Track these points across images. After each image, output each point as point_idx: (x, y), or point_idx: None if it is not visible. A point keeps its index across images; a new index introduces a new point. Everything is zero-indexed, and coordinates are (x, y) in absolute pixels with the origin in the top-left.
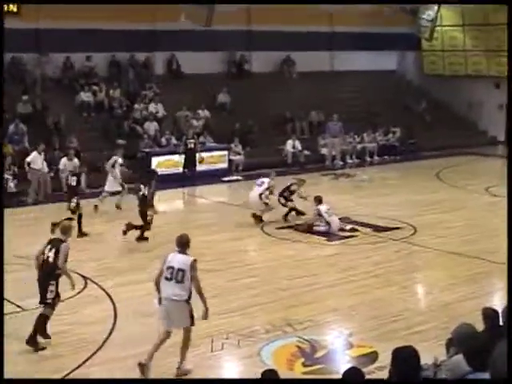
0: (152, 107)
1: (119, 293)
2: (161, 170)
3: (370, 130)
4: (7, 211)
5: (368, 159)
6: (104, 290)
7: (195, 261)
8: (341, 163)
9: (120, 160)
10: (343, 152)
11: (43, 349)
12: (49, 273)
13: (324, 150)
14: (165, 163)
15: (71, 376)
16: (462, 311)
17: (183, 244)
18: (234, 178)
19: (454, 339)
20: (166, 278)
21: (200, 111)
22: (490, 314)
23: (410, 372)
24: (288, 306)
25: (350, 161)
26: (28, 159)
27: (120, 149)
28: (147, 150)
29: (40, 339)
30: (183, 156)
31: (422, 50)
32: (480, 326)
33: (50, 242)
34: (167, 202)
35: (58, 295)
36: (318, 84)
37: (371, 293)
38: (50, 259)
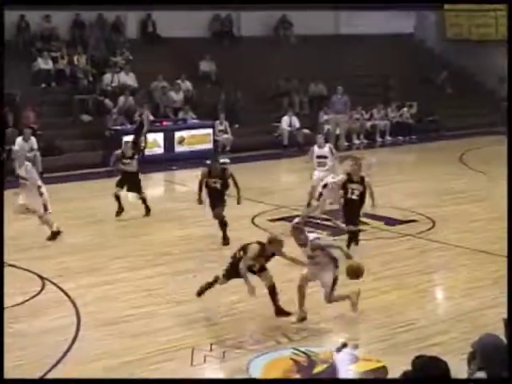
0: (123, 77)
1: (82, 296)
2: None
3: (381, 105)
4: None
5: (379, 139)
6: (64, 292)
7: None
8: (346, 144)
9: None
10: (349, 131)
11: None
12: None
13: (326, 129)
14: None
15: None
16: (487, 320)
17: None
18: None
19: (477, 352)
20: None
21: (180, 82)
22: None
23: None
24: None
25: (356, 141)
26: None
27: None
28: (117, 127)
29: None
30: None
31: (444, 9)
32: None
33: None
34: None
35: None
36: (319, 50)
37: (380, 297)
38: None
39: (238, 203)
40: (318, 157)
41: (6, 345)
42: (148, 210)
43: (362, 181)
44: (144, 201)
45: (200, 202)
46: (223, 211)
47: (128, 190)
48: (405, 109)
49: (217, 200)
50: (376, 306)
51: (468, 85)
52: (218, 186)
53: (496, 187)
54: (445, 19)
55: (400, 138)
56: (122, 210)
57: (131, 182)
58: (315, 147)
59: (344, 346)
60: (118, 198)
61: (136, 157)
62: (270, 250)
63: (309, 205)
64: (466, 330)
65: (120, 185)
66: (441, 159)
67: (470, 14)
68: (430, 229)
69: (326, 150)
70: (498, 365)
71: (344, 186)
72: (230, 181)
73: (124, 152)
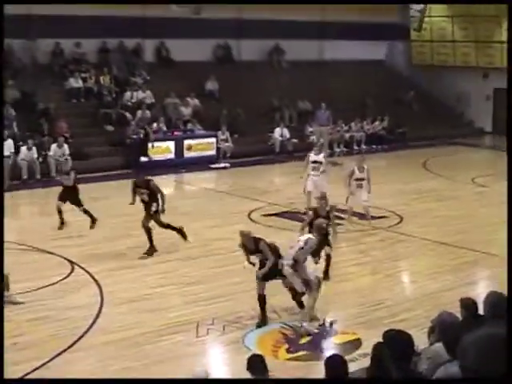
0: (141, 94)
1: (105, 278)
2: (150, 157)
3: (358, 119)
4: None
5: (355, 148)
6: (91, 275)
7: None
8: (328, 151)
9: None
10: (331, 140)
11: None
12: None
13: (312, 139)
14: (154, 149)
15: (52, 362)
16: (446, 300)
17: None
18: (222, 165)
19: (435, 327)
20: None
21: (189, 99)
22: (467, 304)
23: (406, 357)
24: (272, 293)
25: (337, 149)
26: None
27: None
28: (135, 136)
29: None
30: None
31: (410, 40)
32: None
33: None
34: None
35: None
36: (306, 73)
37: (356, 280)
38: None
39: (162, 212)
40: (314, 162)
41: (43, 317)
42: (93, 220)
43: (327, 215)
44: (86, 212)
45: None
46: (148, 221)
47: (71, 203)
48: (377, 122)
49: (145, 209)
50: (352, 288)
51: (431, 103)
52: (145, 196)
53: (455, 189)
54: (411, 48)
55: (373, 146)
56: (63, 223)
57: (70, 196)
58: (311, 154)
59: (331, 324)
60: (59, 211)
61: (73, 173)
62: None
63: (304, 213)
64: (427, 308)
65: (61, 199)
66: (408, 165)
67: (432, 44)
68: (398, 223)
69: (321, 156)
70: (453, 338)
71: (311, 223)
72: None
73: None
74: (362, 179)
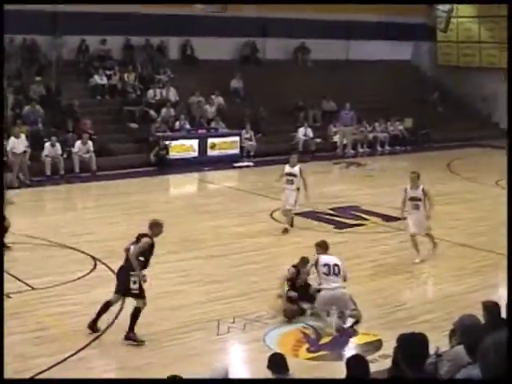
0: (165, 92)
1: None
2: (173, 155)
3: (381, 119)
4: (20, 192)
5: (379, 149)
6: (113, 271)
7: None
8: (352, 152)
9: None
10: (354, 141)
11: (142, 342)
12: (129, 265)
13: (335, 139)
14: (177, 147)
15: (75, 357)
16: (467, 303)
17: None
18: (246, 163)
19: (456, 330)
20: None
21: (213, 97)
22: (490, 307)
23: (419, 358)
24: None
25: (361, 150)
26: (8, 148)
27: None
28: (159, 134)
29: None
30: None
31: (436, 40)
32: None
33: (138, 236)
34: (178, 186)
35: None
36: (331, 72)
37: (377, 282)
38: (132, 251)
39: None
40: (288, 174)
41: (66, 312)
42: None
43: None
44: None
45: None
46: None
47: None
48: (402, 124)
49: None
50: (374, 289)
51: (456, 104)
52: None
53: (479, 191)
54: (437, 48)
55: (397, 147)
56: None
57: None
58: (286, 166)
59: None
60: None
61: None
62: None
63: (285, 230)
64: (449, 310)
65: None
66: (431, 167)
67: (458, 45)
68: None
69: (296, 169)
70: (474, 341)
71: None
72: None
73: None
74: (418, 199)
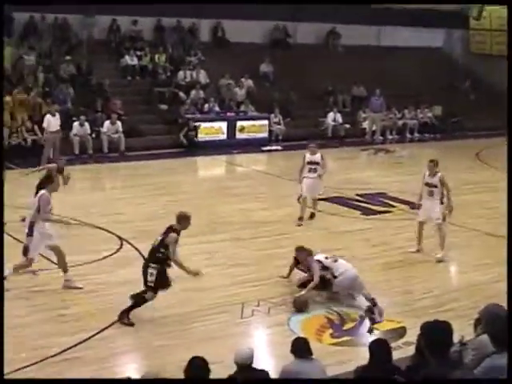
0: (195, 74)
1: None
2: (201, 137)
3: (411, 106)
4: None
5: (408, 136)
6: (139, 251)
7: None
8: (381, 138)
9: None
10: (384, 127)
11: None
12: (150, 256)
13: (365, 125)
14: (206, 130)
15: (98, 336)
16: (494, 292)
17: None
18: (274, 147)
19: (482, 319)
20: None
21: (243, 80)
22: None
23: (442, 347)
24: None
25: (390, 136)
26: (44, 125)
27: None
28: (188, 115)
29: None
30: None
31: (469, 28)
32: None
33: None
34: (206, 169)
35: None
36: (362, 58)
37: (403, 268)
38: (156, 243)
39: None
40: (310, 163)
41: (91, 291)
42: None
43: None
44: None
45: None
46: None
47: None
48: (432, 111)
49: None
50: (400, 276)
51: (487, 92)
52: None
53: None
54: (469, 36)
55: (426, 135)
56: None
57: None
58: (307, 154)
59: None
60: None
61: None
62: None
63: (301, 218)
64: (475, 299)
65: None
66: (461, 155)
67: (491, 33)
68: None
69: (318, 156)
70: (499, 330)
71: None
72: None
73: None
74: (434, 186)
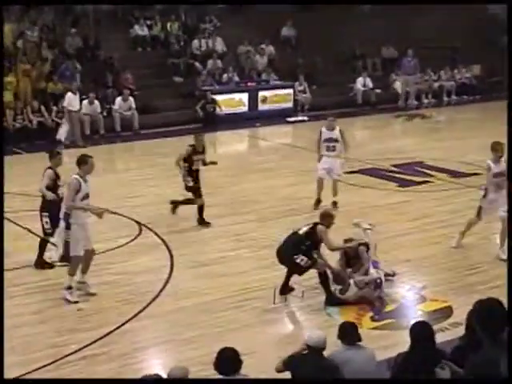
0: (211, 42)
1: (174, 240)
2: (221, 110)
3: (448, 66)
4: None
5: (445, 99)
6: (159, 236)
7: None
8: (415, 103)
9: None
10: (418, 91)
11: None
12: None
13: (397, 89)
14: (225, 102)
15: (118, 331)
16: None
17: None
18: (300, 118)
19: (509, 282)
20: None
21: (263, 46)
22: None
23: (496, 328)
24: None
25: (425, 100)
26: (64, 103)
27: None
28: (206, 88)
29: None
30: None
31: None
32: None
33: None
34: (227, 144)
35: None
36: (391, 17)
37: (446, 243)
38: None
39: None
40: (328, 140)
41: (110, 282)
42: None
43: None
44: None
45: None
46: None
47: None
48: (470, 71)
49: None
50: (443, 251)
51: None
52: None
53: None
54: None
55: (465, 97)
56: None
57: None
58: (323, 129)
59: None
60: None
61: None
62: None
63: (318, 202)
64: None
65: None
66: (503, 118)
67: None
68: None
69: (337, 132)
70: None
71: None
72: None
73: None
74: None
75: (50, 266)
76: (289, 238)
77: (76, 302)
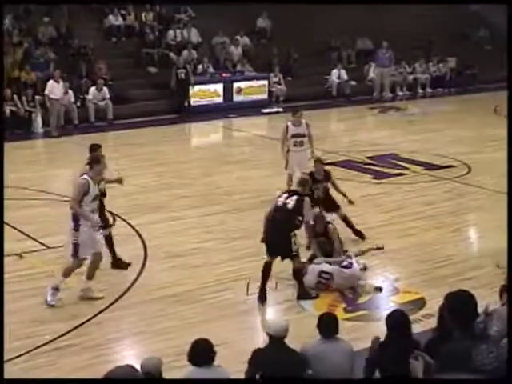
0: (186, 32)
1: (148, 231)
2: (195, 101)
3: (422, 59)
4: (29, 143)
5: (420, 91)
6: (133, 227)
7: None
8: (390, 95)
9: None
10: (393, 83)
11: None
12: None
13: (372, 81)
14: (200, 93)
15: (92, 321)
16: None
17: None
18: (275, 109)
19: (509, 286)
20: None
21: (238, 37)
22: None
23: (467, 319)
24: None
25: (400, 93)
26: (46, 91)
27: None
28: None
29: None
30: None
31: None
32: None
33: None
34: (202, 135)
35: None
36: (366, 8)
37: (419, 235)
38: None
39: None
40: (295, 135)
41: (82, 273)
42: None
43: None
44: None
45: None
46: None
47: None
48: (444, 64)
49: None
50: (416, 244)
51: (504, 41)
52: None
53: None
54: None
55: (440, 89)
56: None
57: None
58: (289, 124)
59: (380, 290)
60: None
61: None
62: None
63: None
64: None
65: None
66: (477, 110)
67: None
68: (466, 174)
69: (303, 127)
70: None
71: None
72: None
73: None
74: None
75: (127, 264)
76: (279, 216)
77: (52, 306)
